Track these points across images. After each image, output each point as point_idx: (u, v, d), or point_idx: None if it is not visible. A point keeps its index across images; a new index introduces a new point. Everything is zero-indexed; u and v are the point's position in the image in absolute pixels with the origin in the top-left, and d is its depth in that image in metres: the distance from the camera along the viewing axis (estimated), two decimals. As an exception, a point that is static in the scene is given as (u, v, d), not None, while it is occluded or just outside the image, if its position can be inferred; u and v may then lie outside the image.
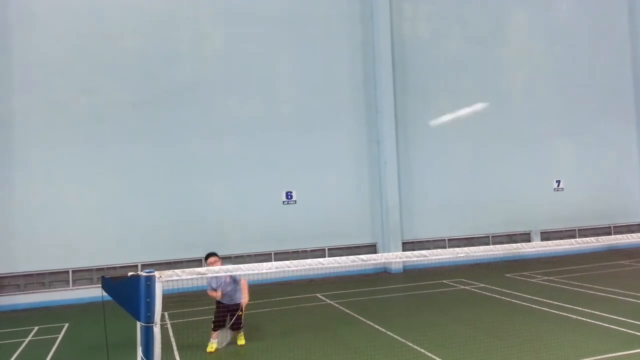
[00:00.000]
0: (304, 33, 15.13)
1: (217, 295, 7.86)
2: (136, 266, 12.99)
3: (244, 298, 7.98)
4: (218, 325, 7.89)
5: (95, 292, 12.68)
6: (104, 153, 13.20)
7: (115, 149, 13.28)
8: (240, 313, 7.99)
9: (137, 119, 13.49)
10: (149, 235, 13.31)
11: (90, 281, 12.90)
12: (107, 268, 12.97)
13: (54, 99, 12.91)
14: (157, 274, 3.17)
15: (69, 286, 12.78)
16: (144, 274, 3.21)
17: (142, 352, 3.12)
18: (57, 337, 9.27)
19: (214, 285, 7.87)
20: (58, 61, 13.00)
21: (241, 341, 8.15)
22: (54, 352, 8.36)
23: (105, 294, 3.31)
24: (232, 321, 7.89)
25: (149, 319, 3.16)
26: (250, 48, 14.59)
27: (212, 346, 7.81)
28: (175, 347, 8.01)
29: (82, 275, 12.92)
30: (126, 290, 3.25)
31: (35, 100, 12.78)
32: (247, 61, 14.54)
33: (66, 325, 10.20)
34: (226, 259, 14.09)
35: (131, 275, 3.21)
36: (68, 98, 13.02)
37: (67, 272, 12.81)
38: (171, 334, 8.78)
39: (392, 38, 15.72)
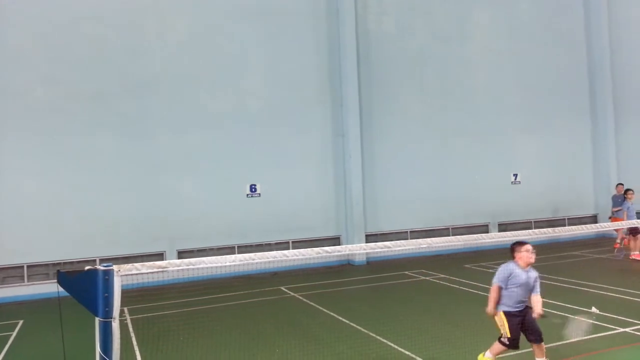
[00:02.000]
0: (271, 27, 15.00)
1: (496, 293, 6.04)
2: (94, 261, 12.67)
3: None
4: (515, 343, 6.01)
5: (51, 287, 12.23)
6: (64, 145, 12.77)
7: (75, 141, 12.86)
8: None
9: (99, 111, 13.09)
10: (110, 229, 12.98)
11: (47, 276, 12.48)
12: (65, 263, 12.60)
13: (11, 88, 12.38)
14: (115, 267, 3.09)
15: (23, 282, 12.35)
16: (102, 267, 3.13)
17: (100, 348, 3.04)
18: (10, 335, 8.96)
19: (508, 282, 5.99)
20: (16, 49, 12.46)
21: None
22: (7, 350, 8.08)
23: (61, 289, 3.21)
24: (530, 328, 6.07)
25: (108, 314, 3.09)
26: (216, 41, 14.37)
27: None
28: (135, 343, 7.87)
29: (38, 271, 12.49)
30: (83, 284, 3.16)
31: (-11, 89, 12.25)
32: (213, 54, 14.32)
33: (20, 322, 9.88)
34: (188, 253, 13.91)
35: (88, 270, 3.12)
36: (26, 88, 12.51)
37: (22, 267, 12.37)
38: (131, 330, 8.61)
39: (357, 33, 15.78)
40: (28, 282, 12.38)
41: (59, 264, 12.61)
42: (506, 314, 5.94)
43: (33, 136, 12.53)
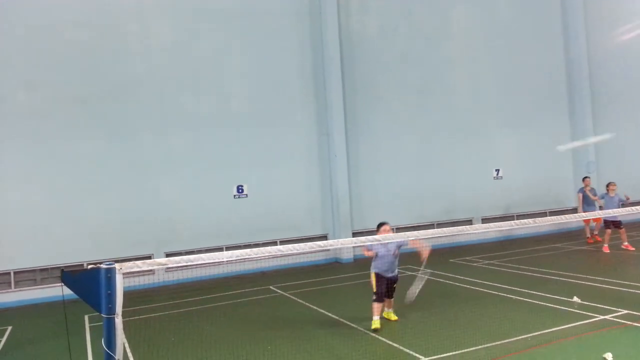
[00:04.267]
0: (254, 28, 15.10)
1: (370, 254, 8.09)
2: (82, 265, 12.64)
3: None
4: (380, 297, 8.02)
5: (39, 293, 12.29)
6: (48, 149, 12.72)
7: (58, 145, 12.82)
8: (395, 285, 8.24)
9: (82, 114, 13.06)
10: (96, 233, 12.96)
11: (34, 282, 12.46)
12: (52, 268, 12.55)
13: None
14: (117, 265, 3.20)
15: (10, 288, 12.27)
16: (104, 266, 3.24)
17: (105, 343, 3.15)
18: (0, 341, 8.93)
19: (374, 248, 8.03)
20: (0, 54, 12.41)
21: (393, 317, 8.44)
22: (-1, 355, 8.09)
23: (66, 291, 3.31)
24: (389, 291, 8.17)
25: (110, 311, 3.20)
26: (198, 43, 14.44)
27: (376, 323, 7.89)
28: (127, 346, 7.91)
29: (25, 277, 12.43)
30: (86, 283, 3.26)
31: (-30, 94, 12.15)
32: (196, 56, 14.38)
33: (9, 328, 9.84)
34: (176, 255, 13.92)
35: (91, 268, 3.22)
36: (8, 92, 12.44)
37: (9, 273, 12.30)
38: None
39: (340, 33, 15.95)
40: (15, 288, 12.31)
41: (45, 269, 12.56)
42: (376, 274, 8.08)
43: (15, 140, 12.47)
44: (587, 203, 15.81)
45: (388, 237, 6.78)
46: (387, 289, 8.07)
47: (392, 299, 8.34)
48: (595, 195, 15.67)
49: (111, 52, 13.46)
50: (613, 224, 14.15)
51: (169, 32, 14.19)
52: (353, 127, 16.14)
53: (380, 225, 8.16)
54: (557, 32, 19.96)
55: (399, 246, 7.98)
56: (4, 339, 9.06)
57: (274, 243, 14.97)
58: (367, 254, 8.15)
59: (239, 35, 14.94)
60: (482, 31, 18.52)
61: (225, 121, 14.60)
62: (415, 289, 8.05)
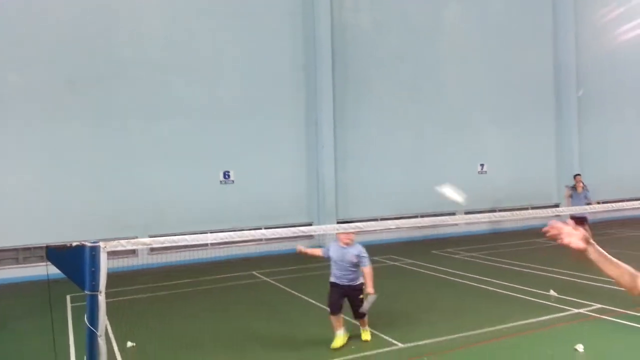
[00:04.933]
0: (246, 18, 15.03)
1: (316, 252, 7.18)
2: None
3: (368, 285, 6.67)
4: (334, 309, 6.80)
5: (21, 271, 12.25)
6: (36, 131, 12.61)
7: (47, 127, 12.71)
8: (362, 296, 6.76)
9: (72, 98, 12.95)
10: (82, 216, 12.90)
11: (16, 261, 12.41)
12: (34, 248, 12.50)
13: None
14: (102, 244, 3.25)
15: (-8, 266, 12.23)
16: (89, 244, 3.29)
17: (88, 319, 3.21)
18: (-19, 318, 8.94)
19: (326, 253, 6.98)
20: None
21: (366, 335, 6.98)
22: (-20, 333, 8.10)
23: (51, 271, 3.36)
24: (354, 307, 6.83)
25: (94, 288, 3.25)
26: (189, 29, 14.35)
27: (340, 340, 6.73)
28: (108, 324, 7.96)
29: (7, 255, 12.38)
30: (71, 260, 3.31)
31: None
32: (186, 42, 14.29)
33: (-9, 306, 9.83)
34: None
35: (76, 246, 3.27)
36: (-3, 76, 12.31)
37: (-9, 251, 12.25)
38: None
39: (333, 26, 15.94)
40: (-3, 266, 12.27)
41: (28, 249, 12.51)
42: (330, 283, 6.95)
43: (2, 122, 12.31)
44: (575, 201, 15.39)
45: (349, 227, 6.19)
46: (351, 303, 6.80)
47: (365, 317, 6.89)
48: (586, 197, 14.93)
49: (102, 36, 13.33)
50: (578, 221, 13.87)
51: (161, 19, 14.09)
52: (342, 119, 16.20)
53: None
54: (547, 33, 20.16)
55: (360, 257, 6.74)
56: (-16, 317, 9.06)
57: (259, 230, 15.03)
58: (311, 252, 7.21)
59: (231, 24, 14.86)
60: (474, 30, 18.63)
61: (214, 108, 14.58)
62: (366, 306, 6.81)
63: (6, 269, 12.27)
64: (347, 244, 6.77)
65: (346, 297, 6.79)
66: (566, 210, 8.05)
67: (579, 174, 15.47)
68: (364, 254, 6.75)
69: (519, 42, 19.46)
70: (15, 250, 12.46)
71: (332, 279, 6.90)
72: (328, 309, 6.86)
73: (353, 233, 6.87)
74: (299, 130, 15.76)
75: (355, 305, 6.76)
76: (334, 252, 6.86)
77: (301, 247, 7.14)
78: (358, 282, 6.77)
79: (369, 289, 6.55)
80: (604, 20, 21.08)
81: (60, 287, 8.39)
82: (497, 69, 18.95)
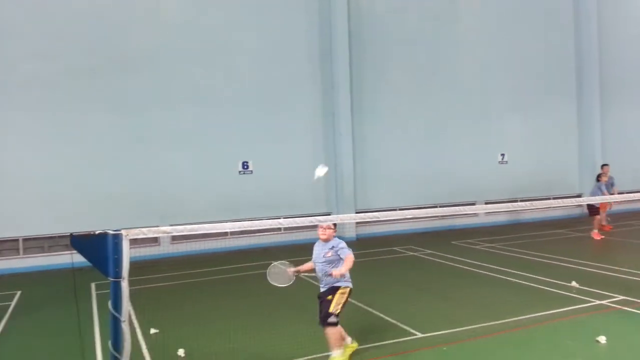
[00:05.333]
0: (263, 4, 15.03)
1: (308, 266, 6.13)
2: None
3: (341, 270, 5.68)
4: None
5: (46, 260, 12.56)
6: (57, 120, 12.85)
7: (68, 116, 12.94)
8: (330, 297, 5.80)
9: (92, 86, 13.15)
10: (102, 204, 13.14)
11: (42, 249, 12.72)
12: (59, 237, 12.78)
13: (4, 63, 12.39)
14: (124, 232, 3.33)
15: (19, 254, 12.54)
16: (112, 232, 3.37)
17: (111, 305, 3.29)
18: (9, 304, 9.19)
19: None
20: (10, 24, 12.45)
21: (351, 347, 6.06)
22: (9, 317, 8.34)
23: (76, 259, 3.46)
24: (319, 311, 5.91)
25: (117, 274, 3.34)
26: (207, 18, 14.40)
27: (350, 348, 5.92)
28: (132, 310, 8.13)
29: (32, 244, 12.70)
30: (95, 247, 3.40)
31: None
32: (205, 31, 14.36)
33: (19, 292, 10.10)
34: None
35: (99, 234, 3.35)
36: (20, 63, 12.52)
37: (17, 240, 12.56)
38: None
39: (349, 12, 15.84)
40: (24, 254, 12.57)
41: (52, 237, 12.80)
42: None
43: (25, 111, 12.59)
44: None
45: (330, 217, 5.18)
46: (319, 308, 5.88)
47: (331, 330, 5.82)
48: (613, 185, 14.99)
49: (121, 25, 13.48)
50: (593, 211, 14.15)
51: (179, 7, 14.16)
52: (359, 106, 16.13)
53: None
54: (568, 15, 19.71)
55: (336, 250, 5.86)
56: (13, 303, 9.31)
57: (277, 220, 15.12)
58: (305, 268, 6.24)
59: (248, 11, 14.88)
60: (492, 13, 18.32)
61: (233, 97, 14.64)
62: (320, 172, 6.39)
63: (32, 257, 12.58)
64: (324, 239, 5.94)
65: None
66: (587, 200, 7.89)
67: (606, 164, 15.19)
68: (342, 245, 5.86)
69: (539, 26, 19.08)
70: (41, 239, 12.75)
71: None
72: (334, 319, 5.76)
73: (329, 227, 5.93)
74: (317, 120, 15.75)
75: (320, 310, 5.82)
76: (314, 253, 5.95)
77: (292, 269, 6.16)
78: (329, 286, 5.84)
79: (336, 271, 5.64)
80: (628, 3, 20.52)
81: (85, 275, 8.62)
82: (516, 53, 18.63)
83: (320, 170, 6.33)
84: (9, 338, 7.32)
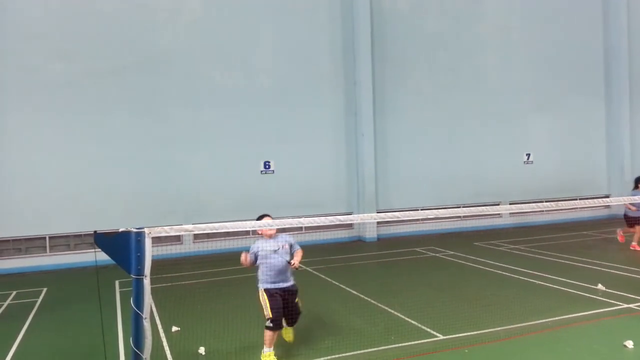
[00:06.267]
0: (284, 3, 15.08)
1: (245, 261, 5.88)
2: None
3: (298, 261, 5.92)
4: (277, 324, 5.79)
5: (72, 257, 12.81)
6: (82, 120, 13.09)
7: (92, 116, 13.18)
8: (297, 299, 6.11)
9: (114, 86, 13.37)
10: (126, 203, 13.35)
11: (67, 247, 12.98)
12: (85, 235, 13.03)
13: (29, 64, 12.69)
14: (146, 230, 3.36)
15: (45, 252, 12.82)
16: (135, 229, 3.41)
17: (133, 302, 3.33)
18: (36, 301, 9.40)
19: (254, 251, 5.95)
20: (33, 26, 12.73)
21: (290, 336, 6.27)
22: (35, 313, 8.53)
23: (99, 257, 3.51)
24: (290, 312, 5.94)
25: (139, 272, 3.38)
26: (228, 18, 14.51)
27: (271, 356, 5.76)
28: (154, 309, 8.24)
29: (59, 242, 12.97)
30: (118, 245, 3.45)
31: (10, 66, 12.55)
32: (226, 31, 14.47)
33: (45, 289, 10.32)
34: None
35: (122, 231, 3.40)
36: (43, 64, 12.80)
37: (44, 238, 12.84)
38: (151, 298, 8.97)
39: (372, 10, 15.78)
40: (50, 252, 12.85)
41: (78, 235, 13.05)
42: (266, 291, 5.77)
43: (49, 111, 12.85)
44: None
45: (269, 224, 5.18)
46: (287, 308, 5.85)
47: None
48: None
49: (143, 26, 13.67)
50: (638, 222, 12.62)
51: (199, 6, 14.29)
52: (381, 106, 16.06)
53: (261, 217, 5.70)
54: (596, 12, 19.29)
55: (291, 244, 6.01)
56: (39, 299, 9.52)
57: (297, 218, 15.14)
58: (245, 261, 5.88)
59: (269, 10, 14.93)
60: (516, 10, 18.04)
61: (254, 97, 14.72)
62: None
63: (59, 255, 12.85)
64: (270, 235, 5.90)
65: (285, 302, 5.84)
66: (614, 201, 7.65)
67: None
68: (291, 238, 6.03)
69: (566, 24, 18.72)
70: (67, 237, 13.02)
71: (266, 285, 5.83)
72: (269, 324, 5.69)
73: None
74: (339, 119, 15.73)
75: (293, 312, 5.95)
76: (262, 249, 5.84)
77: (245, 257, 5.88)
78: (294, 282, 6.02)
79: (296, 260, 5.85)
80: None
81: (109, 273, 8.75)
82: (542, 53, 18.30)
83: None
84: (34, 333, 7.48)
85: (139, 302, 3.36)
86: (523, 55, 18.09)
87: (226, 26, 14.49)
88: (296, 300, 6.04)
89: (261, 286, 5.88)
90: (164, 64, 13.84)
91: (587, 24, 19.18)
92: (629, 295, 8.17)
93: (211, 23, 14.34)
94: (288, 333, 6.25)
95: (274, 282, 5.84)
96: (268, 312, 5.69)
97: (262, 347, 5.80)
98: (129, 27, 13.53)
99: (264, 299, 5.78)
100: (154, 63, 13.74)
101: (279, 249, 5.87)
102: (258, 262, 5.89)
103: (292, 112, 15.10)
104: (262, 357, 5.80)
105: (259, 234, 5.98)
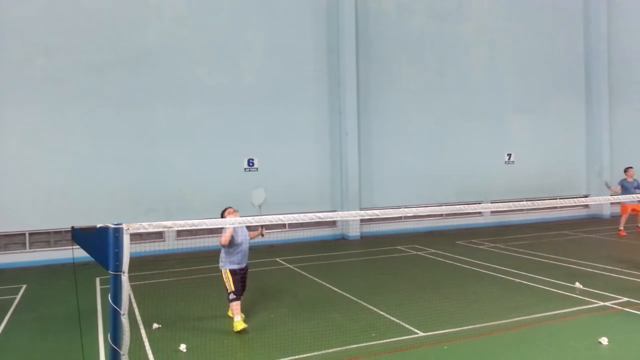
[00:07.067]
0: (270, 2, 15.05)
1: (226, 239, 6.93)
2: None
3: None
4: (239, 295, 7.07)
5: (52, 254, 12.65)
6: (64, 115, 12.93)
7: (76, 112, 13.02)
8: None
9: (99, 82, 13.22)
10: (107, 200, 13.22)
11: (48, 244, 12.82)
12: (65, 231, 12.86)
13: (13, 59, 12.49)
14: (124, 226, 3.35)
15: (25, 249, 12.65)
16: (112, 225, 3.39)
17: (111, 298, 3.32)
18: (15, 298, 9.28)
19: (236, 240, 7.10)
20: (17, 21, 12.54)
21: (241, 325, 6.93)
22: (14, 310, 8.42)
23: (77, 254, 3.48)
24: (244, 286, 7.32)
25: (117, 268, 3.36)
26: (214, 16, 14.44)
27: (241, 323, 6.90)
28: (135, 307, 8.19)
29: (38, 238, 12.80)
30: (95, 240, 3.43)
31: (-9, 59, 12.36)
32: (211, 29, 14.41)
33: (24, 286, 10.19)
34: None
35: (100, 227, 3.38)
36: (27, 59, 12.61)
37: (24, 234, 12.67)
38: (131, 295, 8.91)
39: (357, 10, 15.83)
40: (30, 249, 12.68)
41: (59, 232, 12.89)
42: (231, 271, 7.09)
43: (33, 106, 12.68)
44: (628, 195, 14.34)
45: (239, 221, 6.17)
46: (243, 283, 7.22)
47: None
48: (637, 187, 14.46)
49: (128, 22, 13.55)
50: (633, 209, 14.33)
51: (186, 5, 14.20)
52: (365, 105, 16.13)
53: (225, 210, 7.15)
54: (577, 15, 19.62)
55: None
56: (18, 296, 9.39)
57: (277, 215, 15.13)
58: (226, 239, 6.95)
59: (255, 9, 14.90)
60: (500, 12, 18.25)
61: (239, 95, 14.68)
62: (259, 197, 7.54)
63: (38, 251, 12.69)
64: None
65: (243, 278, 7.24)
66: (590, 200, 7.78)
67: (631, 167, 14.95)
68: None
69: (548, 27, 19.00)
70: (47, 233, 12.86)
71: (232, 267, 7.11)
72: (234, 296, 6.97)
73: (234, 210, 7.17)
74: (323, 118, 15.76)
75: (244, 286, 7.28)
76: (239, 234, 7.12)
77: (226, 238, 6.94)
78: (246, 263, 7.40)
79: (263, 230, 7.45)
80: (638, 2, 20.36)
81: (89, 270, 8.69)
82: (525, 55, 18.55)
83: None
84: (13, 331, 7.39)
85: (116, 298, 3.35)
86: (506, 57, 18.31)
87: (212, 25, 14.41)
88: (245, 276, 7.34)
89: (227, 267, 7.12)
90: (150, 60, 13.72)
91: (569, 27, 19.48)
92: (605, 294, 8.34)
93: (197, 20, 14.26)
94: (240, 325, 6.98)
95: (239, 264, 7.18)
96: (231, 287, 7.00)
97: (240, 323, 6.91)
98: (115, 23, 13.39)
99: (227, 277, 7.07)
100: (139, 59, 13.62)
101: (246, 236, 7.24)
102: (232, 246, 7.05)
103: (277, 111, 15.09)
104: (235, 325, 6.87)
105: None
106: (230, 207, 7.17)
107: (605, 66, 19.41)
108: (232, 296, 6.97)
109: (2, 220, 12.39)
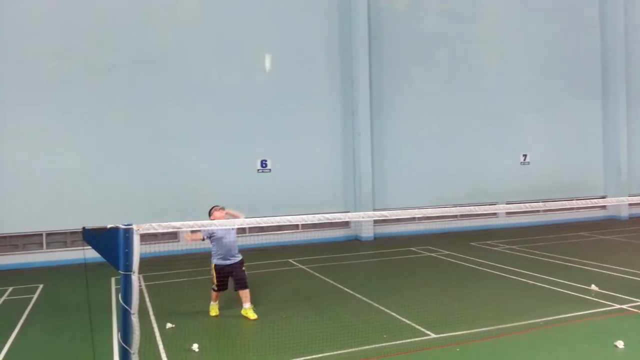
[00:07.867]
0: (282, 2, 15.10)
1: (197, 237, 7.41)
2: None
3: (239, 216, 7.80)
4: (221, 287, 7.67)
5: (69, 254, 12.82)
6: (77, 116, 13.11)
7: (88, 113, 13.19)
8: (244, 268, 7.70)
9: (112, 83, 13.38)
10: (122, 199, 13.36)
11: (64, 244, 13.00)
12: (81, 232, 13.02)
13: (27, 60, 12.71)
14: (135, 226, 3.39)
15: (42, 249, 12.85)
16: (123, 226, 3.43)
17: (122, 298, 3.36)
18: (32, 297, 9.42)
19: (206, 233, 7.42)
20: (31, 22, 12.74)
21: (252, 315, 7.56)
22: (31, 309, 8.55)
23: (88, 255, 3.53)
24: (237, 279, 7.59)
25: (128, 268, 3.40)
26: (226, 15, 14.52)
27: (215, 308, 7.77)
28: (149, 306, 8.27)
29: (55, 238, 12.99)
30: (106, 241, 3.47)
31: (8, 61, 12.55)
32: (223, 29, 14.49)
33: (41, 286, 10.34)
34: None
35: (110, 228, 3.43)
36: (41, 60, 12.82)
37: (41, 234, 12.86)
38: (146, 294, 9.01)
39: (369, 10, 15.80)
40: (47, 249, 12.87)
41: (75, 232, 13.04)
42: (215, 266, 7.57)
43: (47, 107, 12.88)
44: None
45: (226, 222, 6.13)
46: (235, 277, 7.58)
47: (248, 290, 7.61)
48: None
49: (140, 23, 13.68)
50: None
51: (197, 6, 14.31)
52: (378, 105, 16.09)
53: (212, 208, 7.70)
54: (593, 14, 19.33)
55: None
56: (35, 296, 9.54)
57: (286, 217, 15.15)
58: (192, 238, 7.43)
59: (267, 9, 14.95)
60: (514, 10, 18.08)
61: (252, 95, 14.74)
62: None
63: (55, 252, 12.87)
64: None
65: (231, 273, 7.59)
66: (610, 201, 7.68)
67: None
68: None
69: (563, 25, 18.75)
70: (64, 233, 13.04)
71: (219, 262, 7.56)
72: (216, 288, 7.64)
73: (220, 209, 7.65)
74: (336, 119, 15.75)
75: (239, 278, 7.54)
76: (219, 231, 7.34)
77: (188, 236, 7.44)
78: (241, 257, 7.71)
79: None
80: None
81: (104, 270, 8.77)
82: (539, 53, 18.33)
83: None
84: (30, 329, 7.51)
85: (127, 298, 3.39)
86: (521, 56, 18.12)
87: (224, 24, 14.49)
88: (242, 268, 7.65)
89: (214, 261, 7.63)
90: (161, 61, 13.85)
91: (584, 25, 19.21)
92: (622, 296, 8.20)
93: (208, 21, 14.35)
94: (248, 313, 7.54)
95: (225, 259, 7.56)
96: (214, 280, 7.63)
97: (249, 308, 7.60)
98: (126, 24, 13.54)
99: (212, 272, 7.63)
100: (150, 60, 13.75)
101: (232, 233, 7.57)
102: (212, 241, 7.49)
103: (290, 111, 15.12)
104: (210, 309, 7.74)
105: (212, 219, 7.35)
106: (217, 205, 7.73)
107: (622, 65, 19.09)
108: (214, 287, 7.69)
109: (20, 221, 12.59)
